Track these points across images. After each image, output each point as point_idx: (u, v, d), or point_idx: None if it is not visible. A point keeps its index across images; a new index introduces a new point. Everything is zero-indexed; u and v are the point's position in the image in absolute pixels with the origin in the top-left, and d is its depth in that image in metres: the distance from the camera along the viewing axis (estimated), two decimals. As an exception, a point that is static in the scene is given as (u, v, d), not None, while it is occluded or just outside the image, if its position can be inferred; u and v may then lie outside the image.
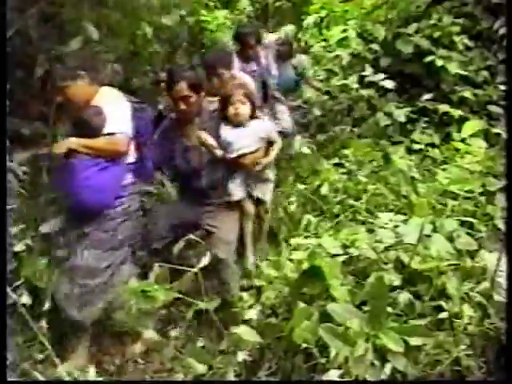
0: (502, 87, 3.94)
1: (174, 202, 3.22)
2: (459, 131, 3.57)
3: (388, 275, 1.85)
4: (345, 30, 4.69)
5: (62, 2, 3.21)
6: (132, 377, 2.43)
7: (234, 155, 2.68)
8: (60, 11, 3.19)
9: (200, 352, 2.05)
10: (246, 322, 1.99)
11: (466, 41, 4.18)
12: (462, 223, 2.31)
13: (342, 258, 2.06)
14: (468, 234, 2.21)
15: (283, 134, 4.13)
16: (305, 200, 3.33)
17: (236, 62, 3.89)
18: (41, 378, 1.84)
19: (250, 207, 2.86)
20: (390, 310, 1.73)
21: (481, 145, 3.35)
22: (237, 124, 2.71)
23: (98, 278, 2.36)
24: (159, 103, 3.91)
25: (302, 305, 1.79)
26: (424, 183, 2.99)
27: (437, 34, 4.20)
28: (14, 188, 2.55)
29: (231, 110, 2.69)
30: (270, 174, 2.95)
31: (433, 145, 3.70)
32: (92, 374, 1.98)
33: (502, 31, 4.04)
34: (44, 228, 2.63)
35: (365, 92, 4.26)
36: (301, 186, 3.45)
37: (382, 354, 1.60)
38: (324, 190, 3.21)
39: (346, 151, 3.79)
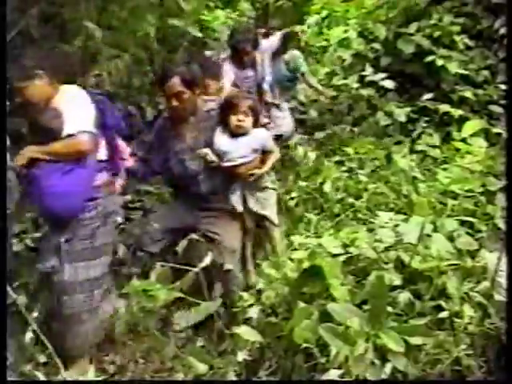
0: (503, 87, 3.94)
1: (170, 204, 3.14)
2: (460, 131, 3.57)
3: (388, 275, 1.85)
4: (346, 31, 4.70)
5: (63, 2, 3.21)
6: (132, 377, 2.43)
7: (227, 164, 2.60)
8: (61, 11, 3.19)
9: (200, 352, 2.05)
10: (247, 321, 1.99)
11: (467, 40, 4.19)
12: (463, 223, 2.31)
13: (342, 258, 2.06)
14: (468, 233, 2.21)
15: (283, 138, 4.10)
16: (306, 197, 3.31)
17: (230, 69, 3.76)
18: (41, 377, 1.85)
19: (248, 221, 2.74)
20: (390, 309, 1.73)
21: (481, 144, 3.36)
22: (235, 135, 2.61)
23: (78, 294, 2.26)
24: (159, 103, 3.92)
25: (302, 304, 1.79)
26: (424, 183, 2.99)
27: (437, 34, 4.20)
28: (14, 187, 2.51)
29: (234, 121, 2.59)
30: (269, 184, 2.78)
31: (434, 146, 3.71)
32: (92, 374, 1.98)
33: (503, 31, 4.04)
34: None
35: (365, 91, 4.26)
36: (302, 183, 3.44)
37: (383, 354, 1.60)
38: (327, 187, 3.20)
39: (347, 149, 3.78)
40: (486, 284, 1.81)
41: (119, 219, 2.45)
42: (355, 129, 4.32)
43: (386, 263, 2.00)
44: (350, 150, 3.75)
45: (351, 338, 1.59)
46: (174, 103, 2.55)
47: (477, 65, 4.19)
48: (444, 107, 3.90)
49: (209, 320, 2.22)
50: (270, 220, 2.76)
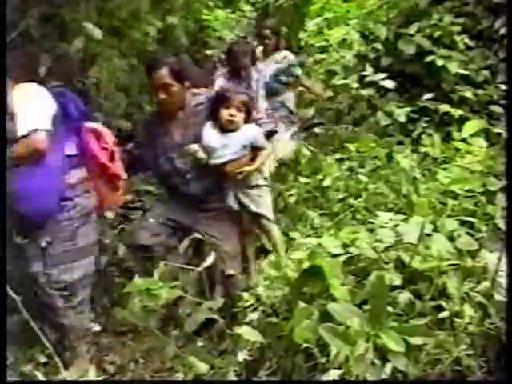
0: (503, 87, 3.94)
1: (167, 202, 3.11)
2: (460, 131, 3.56)
3: (388, 275, 1.85)
4: (347, 32, 4.70)
5: (63, 2, 3.21)
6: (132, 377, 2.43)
7: (216, 162, 2.52)
8: (61, 11, 3.19)
9: (201, 351, 2.05)
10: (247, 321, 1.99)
11: (467, 40, 4.18)
12: (463, 223, 2.30)
13: (342, 258, 2.06)
14: (468, 233, 2.20)
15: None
16: (306, 194, 3.30)
17: (223, 82, 3.67)
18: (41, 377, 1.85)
19: (246, 221, 2.69)
20: (390, 309, 1.73)
21: (481, 144, 3.35)
22: (225, 130, 2.52)
23: (62, 297, 2.24)
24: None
25: (302, 304, 1.78)
26: (424, 183, 2.99)
27: (437, 34, 4.19)
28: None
29: (225, 115, 2.49)
30: (261, 181, 2.69)
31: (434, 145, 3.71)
32: (92, 373, 1.97)
33: (503, 31, 4.04)
34: None
35: (365, 91, 4.26)
36: (302, 180, 3.42)
37: (383, 354, 1.59)
38: (327, 182, 3.19)
39: (349, 145, 3.76)
40: (486, 284, 1.81)
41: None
42: (356, 129, 4.32)
43: (386, 263, 2.00)
44: (351, 147, 3.72)
45: (351, 337, 1.59)
46: (162, 96, 2.45)
47: (477, 65, 4.18)
48: (444, 107, 3.89)
49: (209, 320, 2.22)
50: (267, 217, 2.68)
